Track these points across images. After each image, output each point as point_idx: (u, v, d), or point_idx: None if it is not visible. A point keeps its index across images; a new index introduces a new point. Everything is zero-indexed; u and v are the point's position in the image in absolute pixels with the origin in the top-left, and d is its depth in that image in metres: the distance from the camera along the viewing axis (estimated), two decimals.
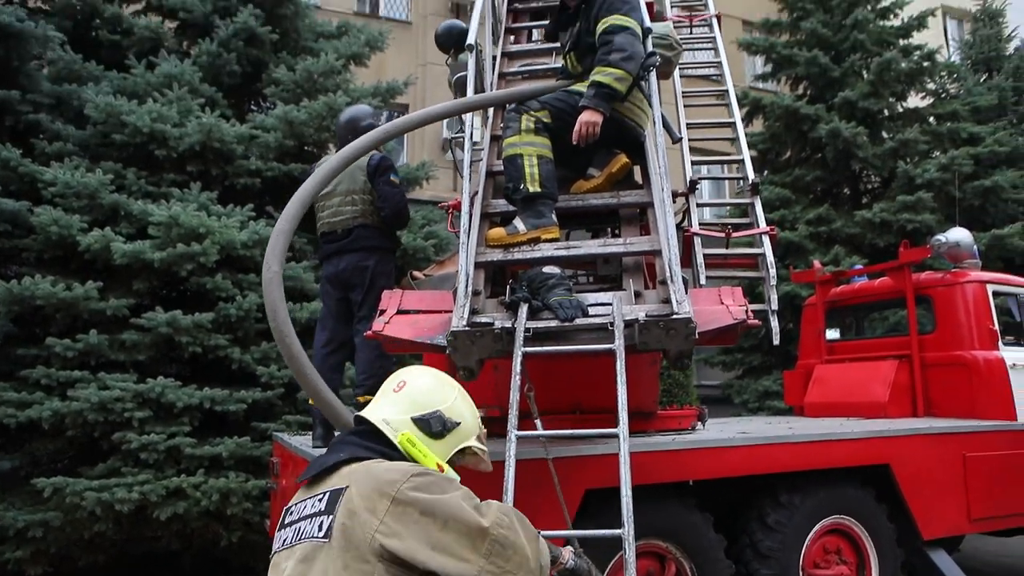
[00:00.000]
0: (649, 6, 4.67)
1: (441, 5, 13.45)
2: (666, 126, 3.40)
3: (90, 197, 6.04)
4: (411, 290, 4.37)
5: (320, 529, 1.52)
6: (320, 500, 1.57)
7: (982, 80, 13.35)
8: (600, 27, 3.27)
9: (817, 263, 7.28)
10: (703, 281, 3.84)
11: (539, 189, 3.08)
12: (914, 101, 11.98)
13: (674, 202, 3.28)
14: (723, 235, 4.01)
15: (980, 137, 10.93)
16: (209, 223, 5.76)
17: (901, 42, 11.57)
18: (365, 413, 1.78)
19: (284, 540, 1.61)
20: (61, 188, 5.98)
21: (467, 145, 3.30)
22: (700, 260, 3.85)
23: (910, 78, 11.26)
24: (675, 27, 4.85)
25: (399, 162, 10.31)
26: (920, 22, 11.45)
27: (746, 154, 4.33)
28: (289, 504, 1.69)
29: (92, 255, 5.86)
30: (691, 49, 5.60)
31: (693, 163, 4.27)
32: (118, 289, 6.04)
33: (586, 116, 3.13)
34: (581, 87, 3.24)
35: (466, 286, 2.82)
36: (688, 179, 4.09)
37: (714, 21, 5.52)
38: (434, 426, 1.74)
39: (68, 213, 5.91)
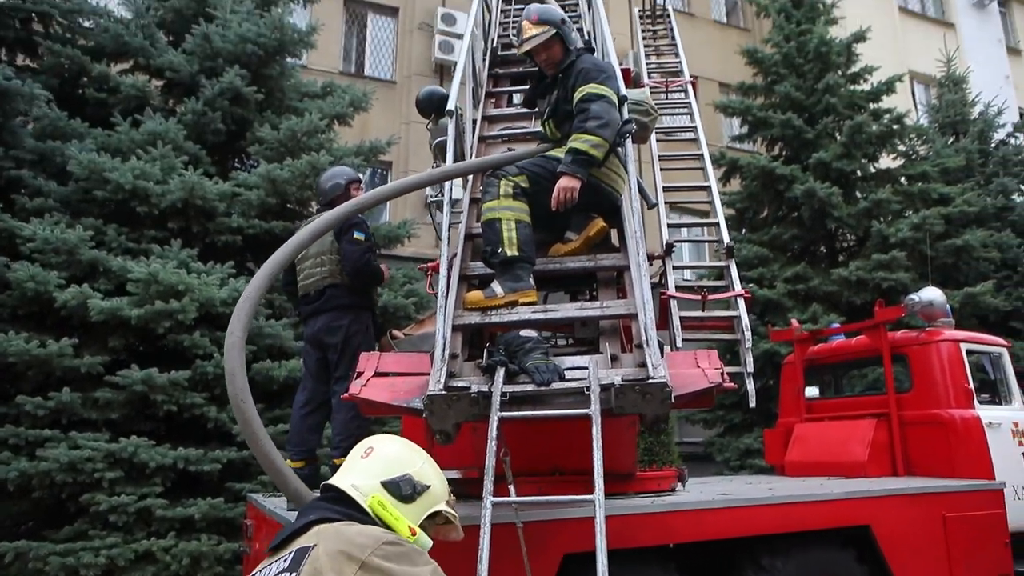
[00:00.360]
0: (626, 72, 4.82)
1: (425, 66, 13.74)
2: (642, 191, 3.47)
3: (69, 253, 6.02)
4: (390, 350, 4.38)
5: None
6: (285, 560, 1.52)
7: (950, 142, 13.75)
8: (577, 95, 3.36)
9: (795, 322, 7.36)
10: (680, 343, 3.87)
11: (517, 253, 3.12)
12: (886, 162, 12.29)
13: (651, 264, 3.33)
14: (699, 298, 4.06)
15: (950, 197, 11.21)
16: (188, 280, 5.75)
17: (871, 106, 11.92)
18: (333, 480, 1.74)
19: None
20: (40, 244, 5.96)
21: (446, 208, 3.36)
22: (676, 322, 3.89)
23: (881, 140, 11.59)
24: (652, 92, 4.99)
25: (380, 220, 10.38)
26: (889, 87, 11.83)
27: (721, 217, 4.42)
28: (255, 571, 1.62)
29: (68, 311, 5.82)
30: (667, 114, 5.76)
31: (670, 226, 4.35)
32: (93, 346, 5.97)
33: (564, 182, 3.20)
34: (559, 153, 3.32)
35: (443, 349, 2.83)
36: (665, 242, 4.16)
37: (689, 87, 5.69)
38: (404, 489, 1.71)
39: (46, 269, 5.89)
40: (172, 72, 7.37)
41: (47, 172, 6.83)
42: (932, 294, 6.74)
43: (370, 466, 1.74)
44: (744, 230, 11.88)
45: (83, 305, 5.71)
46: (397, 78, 13.81)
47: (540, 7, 3.65)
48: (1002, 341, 6.91)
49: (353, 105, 7.65)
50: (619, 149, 3.33)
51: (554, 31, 3.53)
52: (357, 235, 4.13)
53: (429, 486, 1.76)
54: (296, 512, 2.02)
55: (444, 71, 13.53)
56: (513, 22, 5.45)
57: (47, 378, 5.74)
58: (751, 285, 9.99)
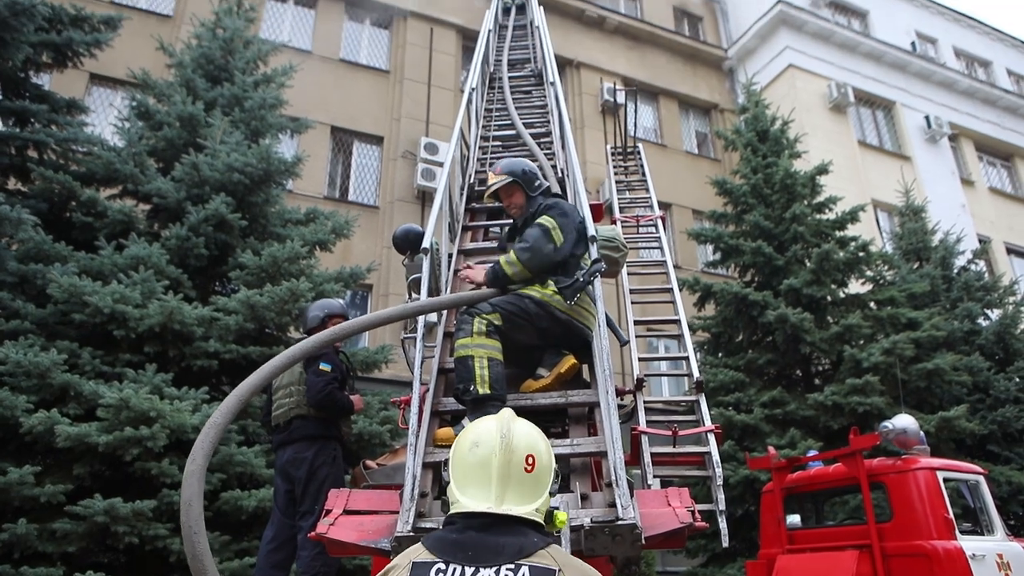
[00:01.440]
0: (598, 207, 5.05)
1: (408, 192, 14.21)
2: (613, 328, 3.56)
3: (40, 376, 5.95)
4: (363, 480, 4.31)
5: None
6: (515, 571, 1.65)
7: (914, 268, 14.25)
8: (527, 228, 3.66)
9: (772, 449, 7.35)
10: (651, 480, 3.85)
11: (489, 391, 3.16)
12: (855, 287, 12.65)
13: (622, 399, 3.38)
14: (670, 433, 4.08)
15: (918, 322, 11.47)
16: (160, 407, 5.68)
17: (838, 233, 12.38)
18: (510, 510, 1.77)
19: None
20: (11, 367, 5.90)
21: (419, 343, 3.41)
22: (648, 459, 3.89)
23: (848, 267, 11.97)
24: (623, 227, 5.19)
25: (358, 345, 10.42)
26: (853, 216, 12.35)
27: (691, 351, 4.51)
28: (430, 563, 1.72)
29: (34, 437, 5.69)
30: (640, 248, 5.97)
31: (640, 359, 4.42)
32: (57, 473, 5.81)
33: (472, 274, 3.59)
34: (531, 291, 3.43)
35: (412, 488, 2.81)
36: (636, 376, 4.23)
37: (659, 222, 5.93)
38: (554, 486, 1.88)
39: (15, 393, 5.80)
40: (160, 198, 7.58)
41: (27, 294, 6.85)
42: (905, 421, 6.81)
43: (539, 480, 1.83)
44: (720, 354, 12.01)
45: (50, 431, 5.59)
46: (380, 203, 14.24)
47: (507, 160, 4.00)
48: (978, 469, 6.93)
49: (335, 232, 7.86)
50: (589, 287, 3.44)
51: (511, 179, 3.84)
52: (323, 366, 4.18)
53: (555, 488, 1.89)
54: None
55: (426, 197, 13.99)
56: (490, 158, 5.73)
57: (3, 508, 5.53)
58: (729, 410, 10.01)
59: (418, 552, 1.77)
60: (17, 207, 6.80)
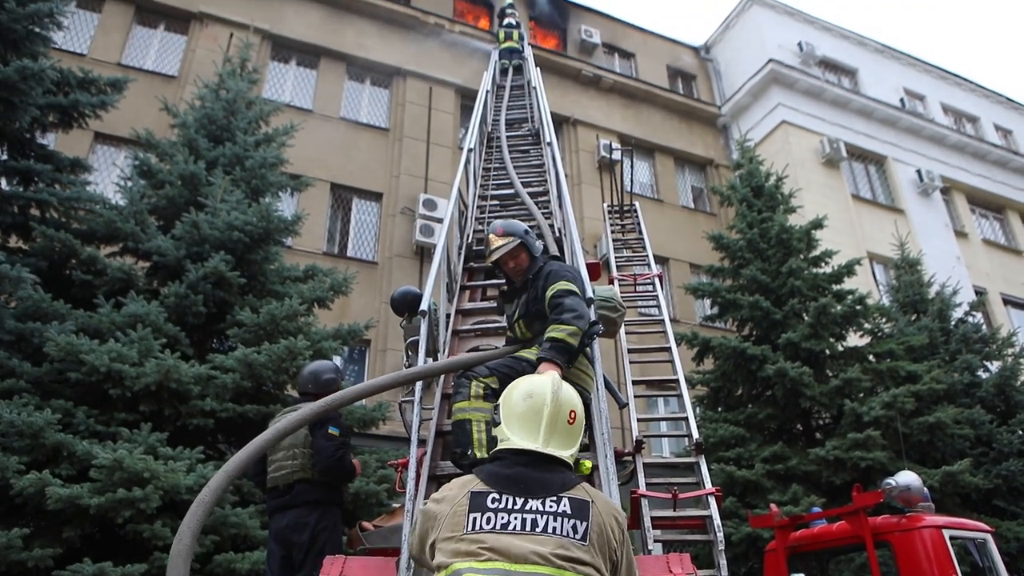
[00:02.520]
0: (595, 267, 5.08)
1: (406, 248, 14.31)
2: (611, 391, 3.55)
3: (33, 436, 5.88)
4: (360, 542, 4.23)
5: (576, 532, 1.94)
6: (561, 504, 1.99)
7: (912, 320, 14.25)
8: (550, 292, 3.53)
9: (774, 507, 7.24)
10: (651, 545, 3.79)
11: (486, 455, 3.12)
12: (853, 339, 12.63)
13: (621, 461, 3.34)
14: (670, 496, 4.03)
15: (918, 375, 11.43)
16: (155, 467, 5.61)
17: (834, 287, 12.44)
18: (554, 452, 2.14)
19: (510, 525, 1.94)
20: (4, 427, 5.83)
21: (416, 407, 3.39)
22: (648, 523, 3.83)
23: (846, 320, 11.97)
24: (621, 286, 5.22)
25: (356, 403, 10.33)
26: (849, 270, 12.42)
27: (690, 412, 4.48)
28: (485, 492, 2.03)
29: (24, 499, 5.60)
30: (637, 307, 5.99)
31: (639, 420, 4.40)
32: (46, 536, 5.69)
33: (544, 368, 3.21)
34: (528, 353, 3.43)
35: (408, 560, 2.76)
36: (635, 438, 4.20)
37: (656, 280, 5.96)
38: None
39: (7, 453, 5.72)
40: (160, 256, 7.62)
41: (24, 352, 6.83)
42: (909, 478, 6.74)
43: (576, 432, 2.22)
44: (720, 409, 11.93)
45: (41, 492, 5.50)
46: (379, 259, 14.32)
47: (504, 221, 3.93)
48: (985, 526, 6.83)
49: (334, 289, 7.88)
50: (587, 349, 3.44)
51: (519, 240, 3.78)
52: (332, 430, 4.11)
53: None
54: None
55: (424, 253, 14.09)
56: (488, 217, 5.79)
57: None
58: (730, 466, 9.89)
59: (474, 483, 2.07)
60: (17, 266, 6.82)
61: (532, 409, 2.18)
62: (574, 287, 3.54)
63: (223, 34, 14.75)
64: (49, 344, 6.36)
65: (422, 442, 3.48)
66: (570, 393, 2.26)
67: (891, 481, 6.67)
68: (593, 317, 3.52)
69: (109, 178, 11.68)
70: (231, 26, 14.93)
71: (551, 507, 1.96)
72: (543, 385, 2.24)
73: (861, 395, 11.14)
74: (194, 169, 8.08)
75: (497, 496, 1.99)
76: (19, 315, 6.97)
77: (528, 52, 12.94)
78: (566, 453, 2.14)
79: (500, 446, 2.19)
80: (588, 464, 2.26)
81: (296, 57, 16.29)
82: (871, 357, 12.15)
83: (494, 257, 3.79)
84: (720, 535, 3.86)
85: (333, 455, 4.08)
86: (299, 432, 4.07)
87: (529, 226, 4.13)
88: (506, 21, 13.67)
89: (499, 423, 2.22)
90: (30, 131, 8.38)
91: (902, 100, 22.79)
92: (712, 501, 4.05)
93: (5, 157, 8.29)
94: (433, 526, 2.05)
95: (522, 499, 1.97)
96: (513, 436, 2.15)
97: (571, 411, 2.20)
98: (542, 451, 2.10)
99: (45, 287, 7.03)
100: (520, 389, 2.26)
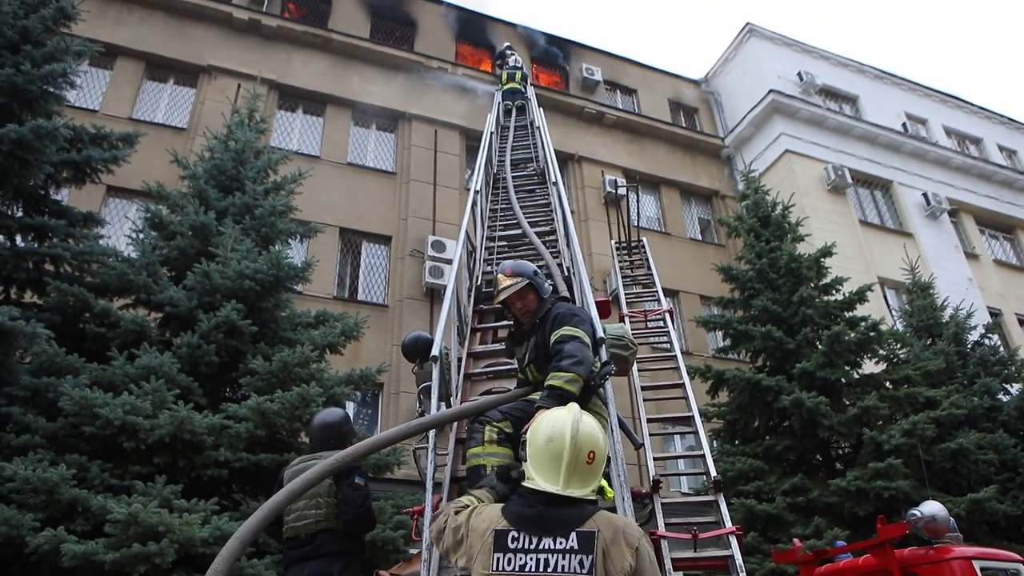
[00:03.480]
0: (605, 304, 5.08)
1: (416, 290, 14.35)
2: (626, 432, 3.52)
3: (48, 493, 5.86)
4: None
5: (583, 567, 2.10)
6: (569, 542, 2.15)
7: (927, 345, 14.12)
8: (553, 338, 3.53)
9: (797, 542, 7.10)
10: None
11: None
12: (869, 367, 12.51)
13: (639, 501, 3.30)
14: (690, 537, 3.96)
15: (936, 400, 11.28)
16: (169, 520, 5.57)
17: (847, 314, 12.36)
18: (573, 493, 2.27)
19: (526, 567, 2.15)
20: (20, 484, 5.82)
21: (430, 455, 3.37)
22: (669, 564, 3.77)
23: (860, 347, 11.87)
24: (631, 323, 5.20)
25: None
26: (860, 296, 12.35)
27: (706, 449, 4.44)
28: (506, 531, 2.22)
29: (39, 556, 5.56)
30: (647, 343, 5.97)
31: (656, 458, 4.35)
32: None
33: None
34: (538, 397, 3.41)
35: None
36: (652, 477, 4.15)
37: (667, 316, 5.94)
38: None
39: (22, 510, 5.70)
40: (172, 307, 7.66)
41: (38, 408, 6.84)
42: (934, 508, 6.59)
43: (596, 469, 2.33)
44: (737, 442, 11.79)
45: (56, 549, 5.47)
46: (389, 302, 14.36)
47: (513, 262, 3.94)
48: (1016, 556, 6.66)
49: (345, 335, 7.90)
50: (600, 390, 3.43)
51: (527, 281, 3.77)
52: (358, 480, 4.07)
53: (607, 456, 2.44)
54: None
55: (435, 294, 14.12)
56: (496, 258, 5.82)
57: None
58: (749, 500, 9.73)
59: (500, 521, 2.26)
60: (32, 321, 6.88)
61: (553, 453, 2.30)
62: (578, 331, 3.52)
63: (231, 85, 15.05)
64: (64, 399, 6.38)
65: (437, 485, 3.45)
66: (589, 431, 2.35)
67: (916, 512, 6.53)
68: (605, 357, 3.50)
69: (121, 231, 11.83)
70: (239, 77, 15.24)
71: (561, 544, 2.13)
72: (563, 428, 2.34)
73: (880, 423, 11.00)
74: (204, 219, 8.17)
75: (516, 535, 2.19)
76: (34, 370, 7.00)
77: (531, 92, 13.13)
78: (585, 491, 2.27)
79: (525, 483, 2.34)
80: (610, 493, 2.43)
81: (303, 105, 16.58)
82: (888, 384, 12.03)
83: (501, 297, 3.79)
84: (743, 575, 3.79)
85: (363, 504, 4.04)
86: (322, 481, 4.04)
87: (538, 266, 4.15)
88: (509, 63, 13.90)
89: (525, 460, 2.38)
90: (44, 187, 8.52)
91: (904, 125, 22.90)
92: (733, 540, 3.98)
93: (20, 214, 8.42)
94: (465, 550, 2.31)
95: (537, 538, 2.15)
96: (536, 476, 2.31)
97: (590, 452, 2.30)
98: (560, 493, 2.24)
99: (59, 341, 7.07)
100: (543, 431, 2.39)
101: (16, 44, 8.25)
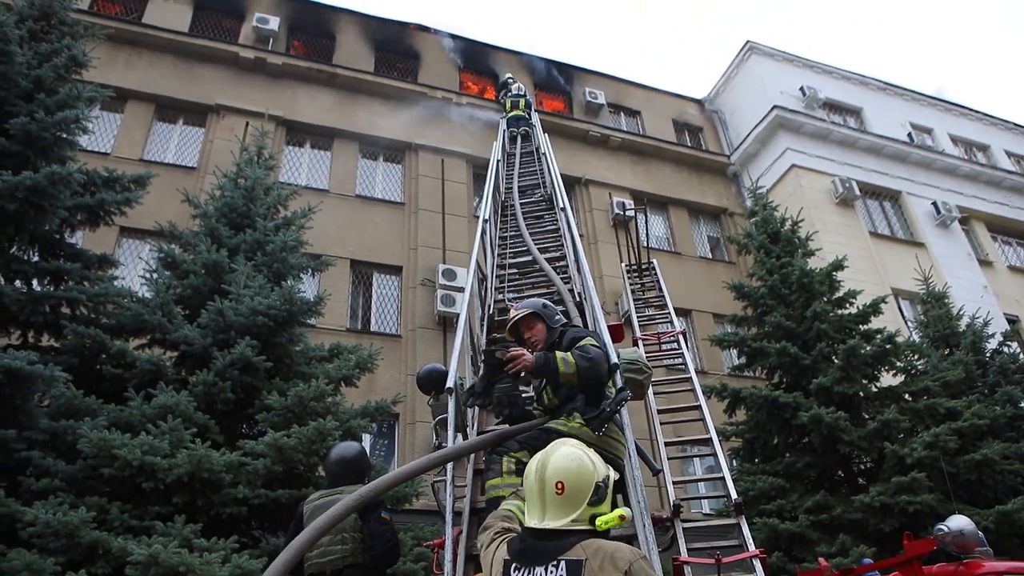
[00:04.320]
0: (617, 328, 5.08)
1: (429, 319, 14.37)
2: (644, 458, 3.51)
3: (69, 536, 5.86)
4: None
5: None
6: (556, 567, 2.23)
7: (945, 355, 13.96)
8: (578, 344, 3.62)
9: (823, 560, 6.98)
10: None
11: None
12: (887, 379, 12.39)
13: (660, 526, 3.27)
14: (713, 562, 3.92)
15: (958, 411, 11.13)
16: (190, 560, 5.56)
17: (862, 327, 12.27)
18: (549, 525, 2.35)
19: None
20: (40, 528, 5.83)
21: (448, 487, 3.36)
22: None
23: (877, 360, 11.74)
24: (645, 346, 5.20)
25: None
26: (874, 308, 12.25)
27: (726, 472, 4.40)
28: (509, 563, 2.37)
29: None
30: (661, 365, 5.95)
31: (675, 482, 4.31)
32: None
33: (524, 359, 3.54)
34: (558, 425, 3.41)
35: None
36: (672, 502, 4.12)
37: (680, 338, 5.93)
38: (601, 494, 2.39)
39: (43, 554, 5.71)
40: (187, 345, 7.71)
41: (57, 451, 6.86)
42: (961, 522, 6.47)
43: (571, 499, 2.35)
44: (756, 460, 11.66)
45: None
46: (402, 332, 14.38)
47: (526, 301, 4.06)
48: None
49: (359, 367, 7.91)
50: (616, 416, 3.42)
51: (532, 310, 3.91)
52: (384, 514, 4.07)
53: (607, 475, 2.43)
54: None
55: (447, 323, 14.14)
56: (508, 287, 5.84)
57: None
58: (772, 519, 9.60)
59: (505, 552, 2.43)
60: (50, 365, 6.94)
61: (529, 490, 2.44)
62: (595, 343, 3.61)
63: (239, 124, 15.27)
64: (82, 441, 6.41)
65: (457, 515, 3.44)
66: (558, 464, 2.42)
67: (943, 527, 6.42)
68: (620, 383, 3.50)
69: (135, 271, 11.95)
70: (246, 115, 15.46)
71: (552, 573, 2.23)
72: (531, 465, 2.50)
73: (901, 436, 10.86)
74: (217, 257, 8.25)
75: (518, 566, 2.34)
76: (53, 413, 7.04)
77: (535, 118, 13.24)
78: (562, 522, 2.33)
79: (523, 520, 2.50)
80: (603, 520, 2.35)
81: (310, 140, 16.78)
82: (907, 396, 11.90)
83: (511, 322, 3.95)
84: None
85: (390, 540, 4.04)
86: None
87: (549, 292, 4.19)
88: (512, 91, 14.04)
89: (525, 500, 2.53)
90: (59, 231, 8.65)
91: (910, 135, 22.89)
92: (757, 564, 3.93)
93: (36, 258, 8.54)
94: (484, 562, 2.50)
95: (529, 568, 2.29)
96: (525, 513, 2.48)
97: (558, 483, 2.37)
98: (538, 527, 2.37)
99: (77, 383, 7.11)
100: (527, 469, 2.53)
101: (30, 93, 8.42)
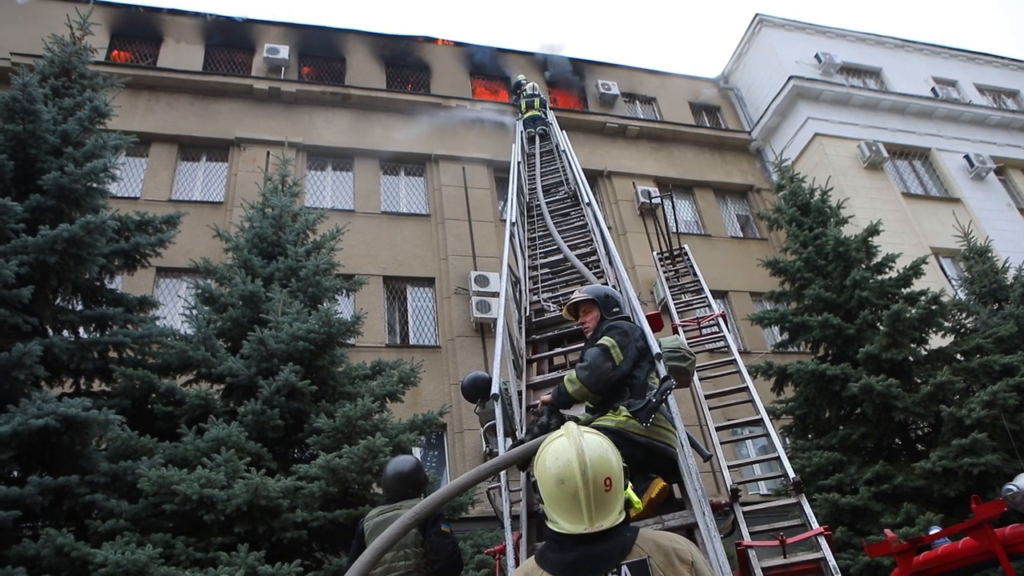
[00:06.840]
0: (656, 318, 5.04)
1: (466, 327, 14.41)
2: (694, 445, 3.48)
3: (139, 574, 6.00)
4: None
5: None
6: (619, 574, 1.99)
7: (995, 311, 13.60)
8: (588, 349, 3.78)
9: (889, 532, 6.84)
10: None
11: None
12: (936, 341, 12.10)
13: (721, 513, 3.24)
14: (778, 543, 3.86)
15: (1014, 367, 10.82)
16: None
17: (904, 291, 12.01)
18: (603, 526, 2.08)
19: None
20: (112, 568, 5.97)
21: (504, 493, 3.37)
22: (759, 574, 3.67)
23: (923, 323, 11.48)
24: (685, 332, 5.15)
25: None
26: (915, 270, 11.98)
27: (780, 450, 4.34)
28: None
29: None
30: (704, 350, 5.88)
31: (731, 467, 4.26)
32: None
33: (542, 399, 3.79)
34: (604, 421, 3.40)
35: None
36: (729, 487, 4.07)
37: (720, 321, 5.86)
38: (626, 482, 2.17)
39: None
40: (232, 377, 7.85)
41: (119, 492, 7.04)
42: None
43: (617, 491, 2.12)
44: (810, 436, 11.47)
45: None
46: (441, 342, 14.44)
47: (590, 286, 4.21)
48: None
49: (403, 382, 7.97)
50: (664, 406, 3.39)
51: (592, 297, 4.03)
52: (444, 527, 4.11)
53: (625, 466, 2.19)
54: None
55: (485, 329, 14.16)
56: (542, 287, 5.83)
57: None
58: (832, 494, 9.44)
59: (537, 571, 2.10)
60: (104, 409, 7.11)
61: (568, 494, 2.10)
62: (605, 339, 3.69)
63: (260, 154, 15.50)
64: (142, 480, 6.55)
65: (515, 519, 3.45)
66: (597, 457, 2.13)
67: (1012, 486, 6.24)
68: (664, 372, 3.48)
69: (175, 309, 12.19)
70: (266, 145, 15.70)
71: None
72: (570, 465, 2.11)
73: (957, 398, 10.59)
74: (252, 288, 8.38)
75: None
76: (111, 456, 7.22)
77: (551, 116, 13.22)
78: (613, 519, 2.09)
79: (550, 526, 2.14)
80: (637, 504, 2.23)
81: (331, 162, 16.96)
82: (959, 356, 11.61)
83: (570, 302, 4.14)
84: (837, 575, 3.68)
85: (454, 551, 4.08)
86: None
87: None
88: (526, 91, 14.04)
89: (541, 501, 2.18)
90: (99, 278, 8.88)
91: (933, 90, 22.37)
92: (823, 541, 3.87)
93: (80, 307, 8.77)
94: None
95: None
96: (560, 520, 2.11)
97: (606, 479, 2.10)
98: (592, 532, 2.07)
99: (131, 424, 7.29)
100: (551, 473, 2.14)
101: (58, 148, 8.66)
